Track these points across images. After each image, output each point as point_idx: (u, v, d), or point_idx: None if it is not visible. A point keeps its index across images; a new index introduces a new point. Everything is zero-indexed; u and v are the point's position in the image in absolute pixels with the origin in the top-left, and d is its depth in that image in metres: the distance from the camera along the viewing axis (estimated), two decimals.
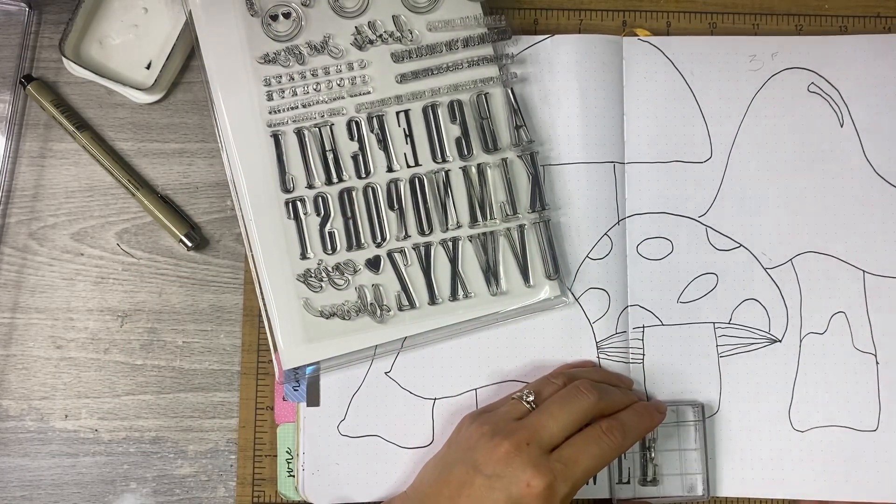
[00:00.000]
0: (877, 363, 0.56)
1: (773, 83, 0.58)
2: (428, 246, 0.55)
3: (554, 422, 0.48)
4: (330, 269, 0.54)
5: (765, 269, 0.57)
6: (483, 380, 0.55)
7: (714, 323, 0.56)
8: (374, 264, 0.54)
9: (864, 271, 0.57)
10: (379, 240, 0.55)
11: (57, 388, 0.55)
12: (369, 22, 0.55)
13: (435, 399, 0.55)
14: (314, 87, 0.55)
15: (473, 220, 0.55)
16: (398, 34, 0.55)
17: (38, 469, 0.55)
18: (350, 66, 0.55)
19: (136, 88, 0.56)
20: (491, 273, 0.55)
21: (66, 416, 0.55)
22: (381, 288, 0.54)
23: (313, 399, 0.55)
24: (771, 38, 0.58)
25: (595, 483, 0.55)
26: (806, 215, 0.57)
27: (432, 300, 0.54)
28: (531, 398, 0.50)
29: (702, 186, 0.57)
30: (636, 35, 0.58)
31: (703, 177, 0.57)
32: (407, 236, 0.55)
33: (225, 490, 0.55)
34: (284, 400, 0.55)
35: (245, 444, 0.55)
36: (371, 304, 0.54)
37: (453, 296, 0.54)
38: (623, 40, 0.58)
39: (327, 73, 0.55)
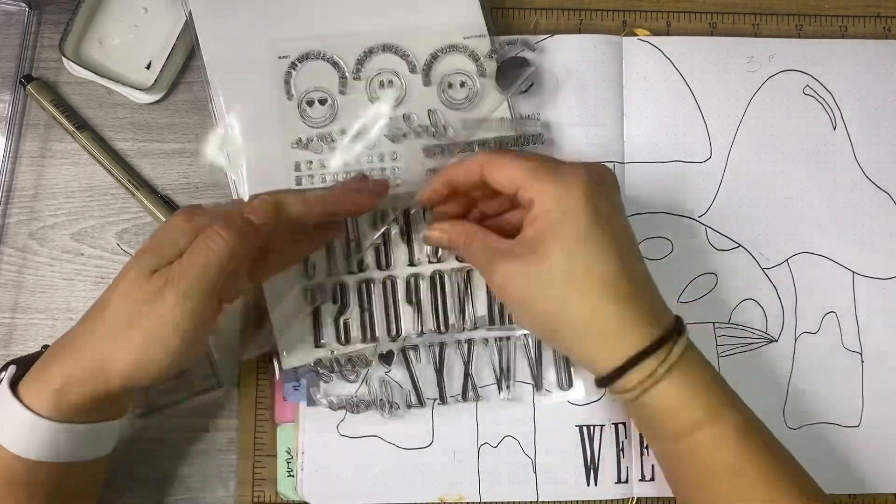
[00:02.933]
0: (862, 362, 0.57)
1: (770, 85, 0.58)
2: (442, 345, 0.54)
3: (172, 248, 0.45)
4: (342, 361, 0.54)
5: (762, 269, 0.57)
6: (483, 380, 0.55)
7: (714, 323, 0.56)
8: (386, 359, 0.54)
9: (853, 272, 0.57)
10: (394, 334, 0.54)
11: None
12: (404, 115, 0.55)
13: (435, 399, 0.55)
14: (343, 175, 0.54)
15: (491, 322, 0.54)
16: (432, 129, 0.54)
17: None
18: (381, 158, 0.55)
19: (136, 88, 0.56)
20: (503, 377, 0.54)
21: None
22: (390, 385, 0.54)
23: (313, 399, 0.55)
24: (768, 41, 0.59)
25: (596, 484, 0.55)
26: (801, 216, 0.57)
27: (442, 400, 0.54)
28: None
29: (701, 186, 0.57)
30: (636, 35, 0.58)
31: (702, 176, 0.57)
32: (422, 333, 0.54)
33: (225, 490, 0.55)
34: (284, 400, 0.55)
35: (245, 444, 0.55)
36: (380, 399, 0.54)
37: (464, 397, 0.54)
38: (623, 40, 0.58)
39: (358, 163, 0.55)
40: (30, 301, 0.56)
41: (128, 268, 0.45)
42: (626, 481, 0.55)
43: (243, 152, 0.54)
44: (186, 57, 0.58)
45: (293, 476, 0.54)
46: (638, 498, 0.55)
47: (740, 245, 0.57)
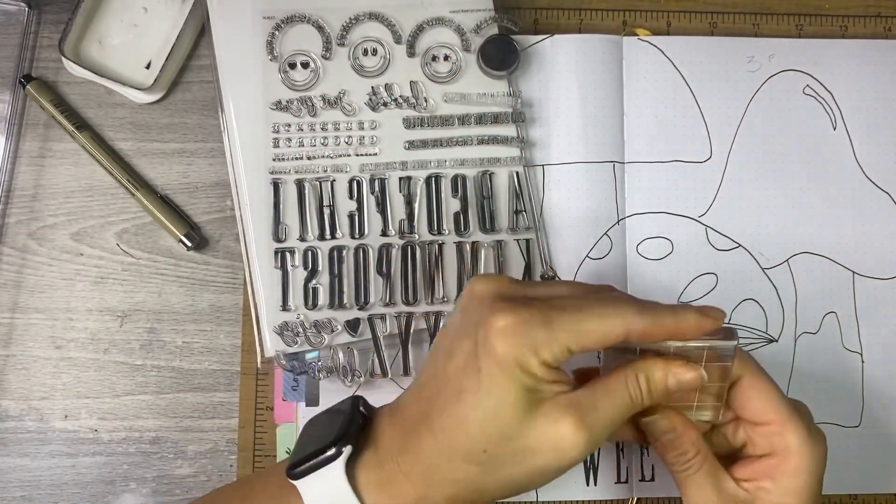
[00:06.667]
0: (862, 362, 0.57)
1: (770, 85, 0.58)
2: (410, 316, 0.54)
3: (555, 289, 0.42)
4: (308, 325, 0.53)
5: (762, 269, 0.57)
6: None
7: None
8: (353, 327, 0.54)
9: (853, 272, 0.57)
10: (362, 302, 0.54)
11: (56, 389, 0.55)
12: (386, 84, 0.55)
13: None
14: (321, 140, 0.55)
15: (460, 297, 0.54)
16: (413, 100, 0.55)
17: (37, 469, 0.55)
18: (360, 125, 0.55)
19: (136, 88, 0.56)
20: None
21: (66, 417, 0.55)
22: (354, 352, 0.53)
23: (312, 399, 0.55)
24: (768, 40, 0.59)
25: (596, 484, 0.55)
26: (801, 216, 0.57)
27: (406, 371, 0.54)
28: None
29: (701, 186, 0.57)
30: (636, 35, 0.58)
31: (702, 176, 0.57)
32: (391, 303, 0.54)
33: None
34: (284, 400, 0.55)
35: (245, 444, 0.55)
36: (343, 367, 0.53)
37: None
38: (623, 40, 0.58)
39: (337, 129, 0.55)
40: (29, 301, 0.56)
41: (500, 364, 0.38)
42: (626, 481, 0.55)
43: (231, 109, 0.55)
44: (186, 57, 0.58)
45: None
46: (638, 498, 0.55)
47: (740, 245, 0.57)
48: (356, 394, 0.44)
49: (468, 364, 0.39)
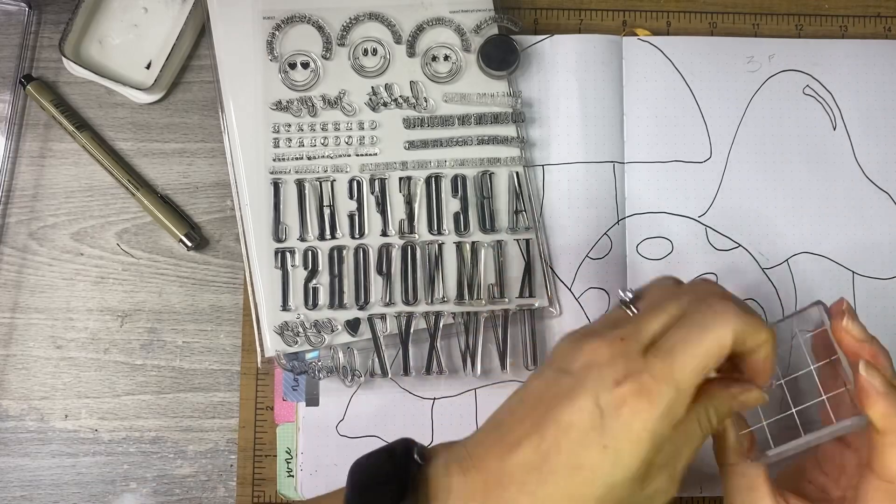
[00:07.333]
0: None
1: (770, 85, 0.58)
2: (410, 316, 0.54)
3: (658, 319, 0.39)
4: (308, 325, 0.53)
5: (762, 269, 0.57)
6: (483, 380, 0.55)
7: None
8: (353, 327, 0.54)
9: (853, 272, 0.57)
10: (362, 302, 0.54)
11: (57, 388, 0.55)
12: (386, 84, 0.55)
13: (434, 399, 0.55)
14: (322, 140, 0.55)
15: (460, 297, 0.54)
16: (413, 100, 0.55)
17: (37, 469, 0.55)
18: (361, 125, 0.55)
19: (136, 88, 0.56)
20: (469, 353, 0.54)
21: (66, 416, 0.55)
22: (354, 352, 0.53)
23: (312, 399, 0.55)
24: (768, 40, 0.59)
25: None
26: (801, 216, 0.57)
27: (406, 371, 0.53)
28: (629, 299, 0.41)
29: (701, 186, 0.57)
30: (636, 35, 0.58)
31: (702, 177, 0.57)
32: (390, 303, 0.54)
33: (225, 490, 0.55)
34: (284, 400, 0.55)
35: (245, 444, 0.55)
36: (343, 367, 0.53)
37: (427, 371, 0.54)
38: (623, 40, 0.58)
39: (337, 129, 0.55)
40: (30, 301, 0.56)
41: (632, 441, 0.37)
42: None
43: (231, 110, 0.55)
44: (186, 57, 0.58)
45: (293, 476, 0.54)
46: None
47: (740, 245, 0.57)
48: (405, 439, 0.42)
49: (589, 438, 0.37)
